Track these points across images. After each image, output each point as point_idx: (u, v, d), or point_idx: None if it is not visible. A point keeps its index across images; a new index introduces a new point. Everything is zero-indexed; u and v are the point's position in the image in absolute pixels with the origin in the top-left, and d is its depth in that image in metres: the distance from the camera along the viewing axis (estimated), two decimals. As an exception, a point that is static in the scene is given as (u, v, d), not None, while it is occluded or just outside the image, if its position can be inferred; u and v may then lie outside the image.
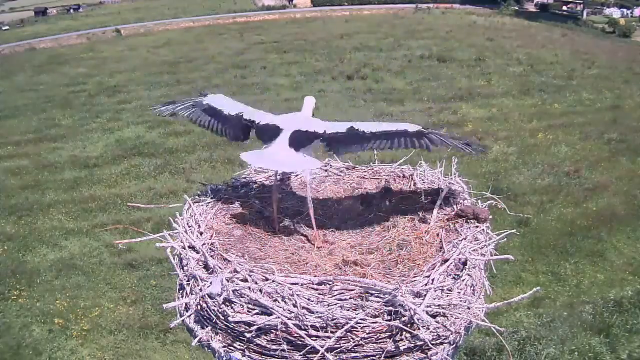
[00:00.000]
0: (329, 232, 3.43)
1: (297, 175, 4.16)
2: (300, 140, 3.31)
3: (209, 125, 3.77)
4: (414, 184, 3.92)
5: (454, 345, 2.72)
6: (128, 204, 10.87)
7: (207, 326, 2.76)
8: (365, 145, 3.27)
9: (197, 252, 3.06)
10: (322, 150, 3.48)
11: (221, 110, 3.74)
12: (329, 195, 3.96)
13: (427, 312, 2.52)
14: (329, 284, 2.66)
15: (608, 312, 7.68)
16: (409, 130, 3.24)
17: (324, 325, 2.50)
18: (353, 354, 2.53)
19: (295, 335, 2.50)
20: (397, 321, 2.51)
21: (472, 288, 2.84)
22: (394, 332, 2.53)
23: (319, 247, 3.20)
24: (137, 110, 17.99)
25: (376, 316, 2.54)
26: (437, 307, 2.62)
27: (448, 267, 2.85)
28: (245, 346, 2.63)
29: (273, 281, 2.68)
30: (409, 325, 2.53)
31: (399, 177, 4.10)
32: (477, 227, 3.26)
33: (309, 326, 2.50)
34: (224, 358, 2.69)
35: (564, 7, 36.62)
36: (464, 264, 2.93)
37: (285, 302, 2.58)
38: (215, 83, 20.34)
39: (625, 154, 12.97)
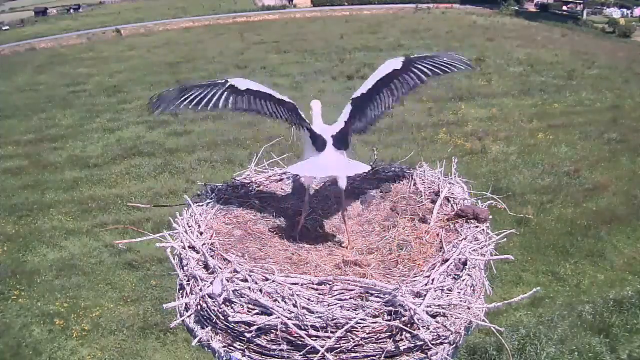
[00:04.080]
0: (335, 233, 3.44)
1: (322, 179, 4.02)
2: (341, 145, 3.37)
3: (268, 110, 3.27)
4: (414, 184, 3.92)
5: (454, 345, 2.71)
6: (128, 204, 10.87)
7: (207, 326, 2.76)
8: (376, 106, 3.44)
9: (197, 252, 3.06)
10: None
11: (269, 94, 3.34)
12: (329, 195, 3.96)
13: (427, 312, 2.52)
14: (329, 284, 2.66)
15: (608, 312, 7.68)
16: (397, 68, 3.43)
17: (324, 325, 2.50)
18: (353, 354, 2.52)
19: (295, 335, 2.50)
20: (397, 321, 2.51)
21: (472, 288, 2.84)
22: (394, 332, 2.53)
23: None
24: (137, 110, 17.99)
25: (376, 316, 2.53)
26: (437, 307, 2.62)
27: (448, 267, 2.85)
28: (245, 346, 2.63)
29: (273, 281, 2.68)
30: (409, 325, 2.53)
31: (399, 177, 4.10)
32: (477, 227, 3.25)
33: (309, 326, 2.50)
34: (224, 358, 2.69)
35: (564, 7, 36.68)
36: (464, 264, 2.92)
37: (285, 302, 2.58)
38: (215, 83, 20.34)
39: (625, 154, 12.97)
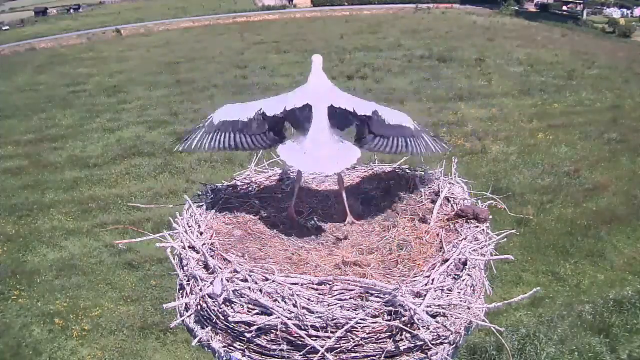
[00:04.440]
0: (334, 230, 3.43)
1: None
2: (336, 122, 3.17)
3: (234, 144, 3.22)
4: (414, 184, 3.92)
5: (454, 345, 2.71)
6: (128, 204, 10.87)
7: (207, 326, 2.76)
8: (385, 141, 3.22)
9: (197, 252, 3.06)
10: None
11: (237, 119, 3.24)
12: (329, 195, 3.96)
13: (427, 312, 2.52)
14: (329, 284, 2.66)
15: (608, 312, 7.68)
16: (410, 128, 3.30)
17: (324, 325, 2.50)
18: (353, 354, 2.52)
19: (295, 335, 2.50)
20: (397, 321, 2.51)
21: (472, 288, 2.84)
22: (394, 332, 2.53)
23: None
24: (137, 110, 18.00)
25: (376, 316, 2.53)
26: (437, 307, 2.62)
27: (448, 267, 2.85)
28: (245, 346, 2.63)
29: (273, 281, 2.68)
30: (409, 325, 2.53)
31: (399, 177, 4.10)
32: (477, 227, 3.25)
33: (309, 326, 2.50)
34: (224, 358, 2.69)
35: (564, 7, 36.67)
36: (464, 264, 2.92)
37: (285, 302, 2.58)
38: (215, 83, 20.35)
39: (625, 154, 12.97)
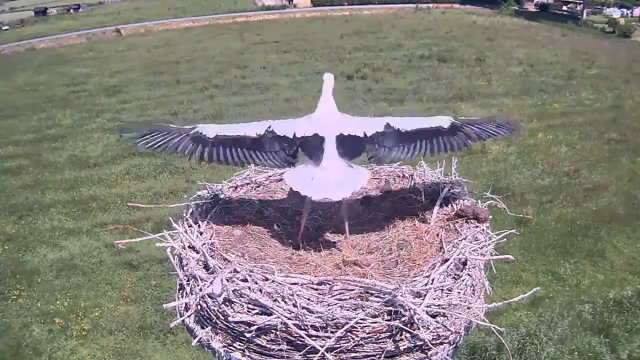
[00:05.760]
0: (333, 234, 3.42)
1: None
2: (347, 151, 3.17)
3: (245, 159, 3.20)
4: (414, 184, 3.92)
5: (454, 345, 2.72)
6: (128, 204, 10.86)
7: (207, 326, 2.76)
8: (404, 148, 3.20)
9: (197, 252, 3.06)
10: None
11: (241, 135, 3.20)
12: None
13: (427, 312, 2.52)
14: (329, 284, 2.66)
15: (608, 312, 7.68)
16: (444, 126, 3.24)
17: (324, 325, 2.50)
18: (353, 354, 2.53)
19: (295, 335, 2.50)
20: (397, 321, 2.51)
21: (472, 288, 2.84)
22: (394, 332, 2.53)
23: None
24: (137, 110, 17.99)
25: (376, 316, 2.54)
26: (437, 307, 2.62)
27: (448, 267, 2.85)
28: (245, 346, 2.63)
29: (273, 281, 2.68)
30: (409, 325, 2.53)
31: (399, 177, 4.10)
32: (477, 227, 3.26)
33: (309, 326, 2.50)
34: (224, 358, 2.69)
35: (564, 7, 36.68)
36: (464, 264, 2.93)
37: (285, 302, 2.58)
38: (215, 83, 20.35)
39: (625, 154, 12.97)
